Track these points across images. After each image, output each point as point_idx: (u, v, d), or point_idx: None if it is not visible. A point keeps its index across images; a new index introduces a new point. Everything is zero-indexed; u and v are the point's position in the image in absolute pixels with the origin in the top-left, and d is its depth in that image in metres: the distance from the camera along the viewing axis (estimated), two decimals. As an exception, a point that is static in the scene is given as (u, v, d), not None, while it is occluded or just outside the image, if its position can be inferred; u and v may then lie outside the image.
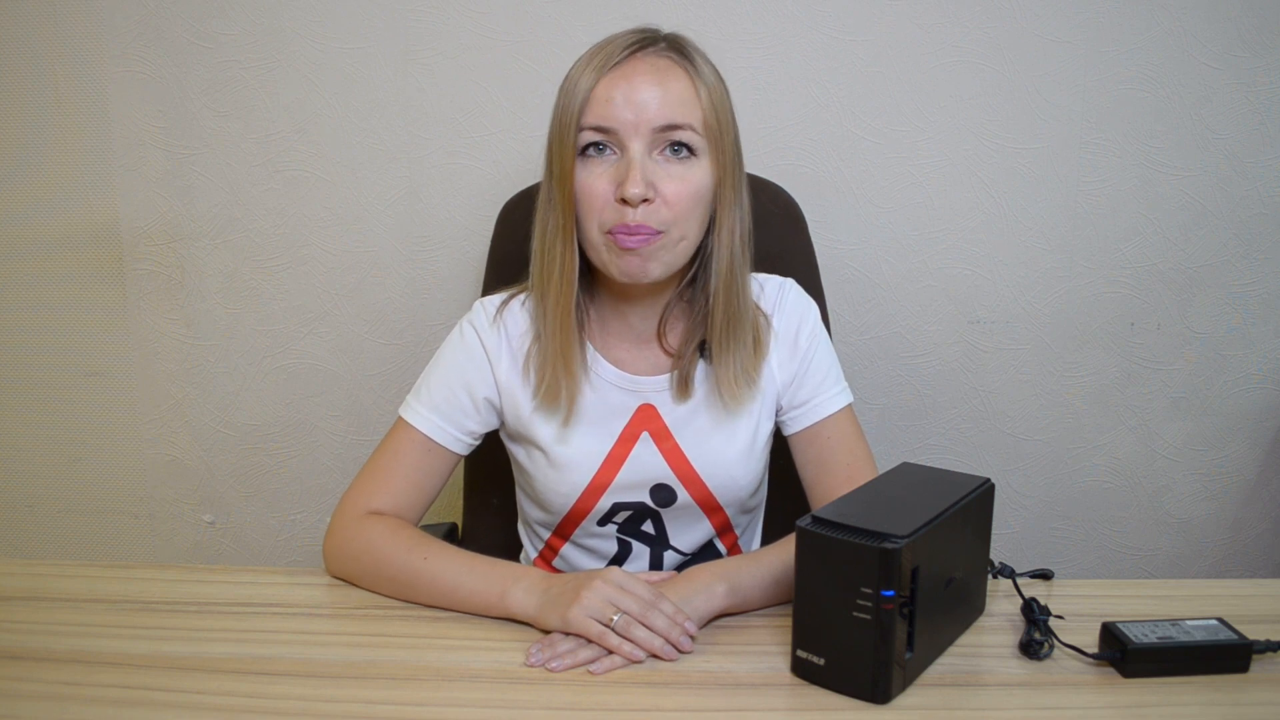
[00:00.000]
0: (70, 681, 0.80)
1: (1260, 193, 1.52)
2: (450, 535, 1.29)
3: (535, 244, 1.01)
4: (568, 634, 0.85)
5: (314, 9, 1.50)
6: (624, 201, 0.92)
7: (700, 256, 1.02)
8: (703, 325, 1.03)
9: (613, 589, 0.85)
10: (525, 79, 1.50)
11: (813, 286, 1.26)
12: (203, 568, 1.03)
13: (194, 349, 1.65)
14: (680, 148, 0.95)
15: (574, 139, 0.94)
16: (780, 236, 1.27)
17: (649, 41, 0.97)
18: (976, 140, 1.51)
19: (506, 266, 1.22)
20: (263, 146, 1.56)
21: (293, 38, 1.51)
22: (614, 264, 0.96)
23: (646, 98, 0.93)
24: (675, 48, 0.98)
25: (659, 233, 0.94)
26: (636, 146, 0.93)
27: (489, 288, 1.27)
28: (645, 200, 0.93)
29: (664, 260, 0.96)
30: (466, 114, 1.53)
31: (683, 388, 1.04)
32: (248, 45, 1.52)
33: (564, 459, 1.05)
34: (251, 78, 1.53)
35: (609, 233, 0.94)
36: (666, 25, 1.00)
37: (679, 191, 0.94)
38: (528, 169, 1.03)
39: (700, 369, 1.05)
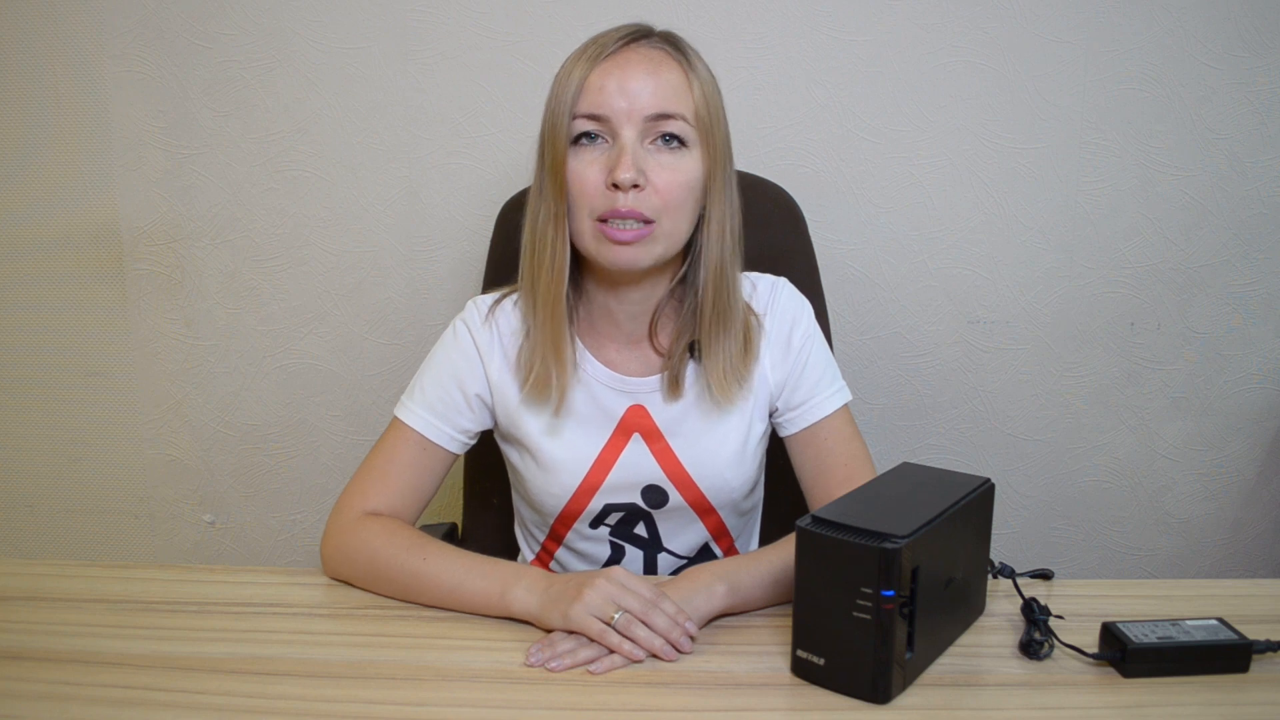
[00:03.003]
0: (70, 681, 0.80)
1: (1260, 193, 1.52)
2: (450, 535, 1.29)
3: (526, 236, 1.01)
4: (568, 633, 0.85)
5: (314, 9, 1.50)
6: (615, 187, 0.93)
7: (690, 253, 1.02)
8: (692, 323, 1.03)
9: (615, 587, 0.85)
10: (525, 79, 1.50)
11: (813, 286, 1.26)
12: (203, 568, 1.03)
13: (194, 349, 1.65)
14: (671, 138, 0.95)
15: (567, 127, 0.95)
16: (780, 236, 1.27)
17: (642, 34, 0.98)
18: (976, 140, 1.51)
19: (506, 266, 1.22)
20: (263, 146, 1.56)
21: (293, 38, 1.51)
22: (602, 252, 0.96)
23: (639, 87, 0.94)
24: (669, 41, 0.99)
25: (650, 223, 0.95)
26: (628, 134, 0.94)
27: (489, 288, 1.27)
28: (636, 186, 0.93)
29: (652, 252, 0.97)
30: (466, 114, 1.53)
31: (673, 387, 1.04)
32: (248, 45, 1.52)
33: (555, 460, 1.05)
34: (251, 78, 1.53)
35: (600, 220, 0.95)
36: (666, 25, 1.01)
37: (669, 181, 0.95)
38: (528, 169, 1.03)
39: (691, 370, 1.05)
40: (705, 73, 0.99)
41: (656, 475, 1.06)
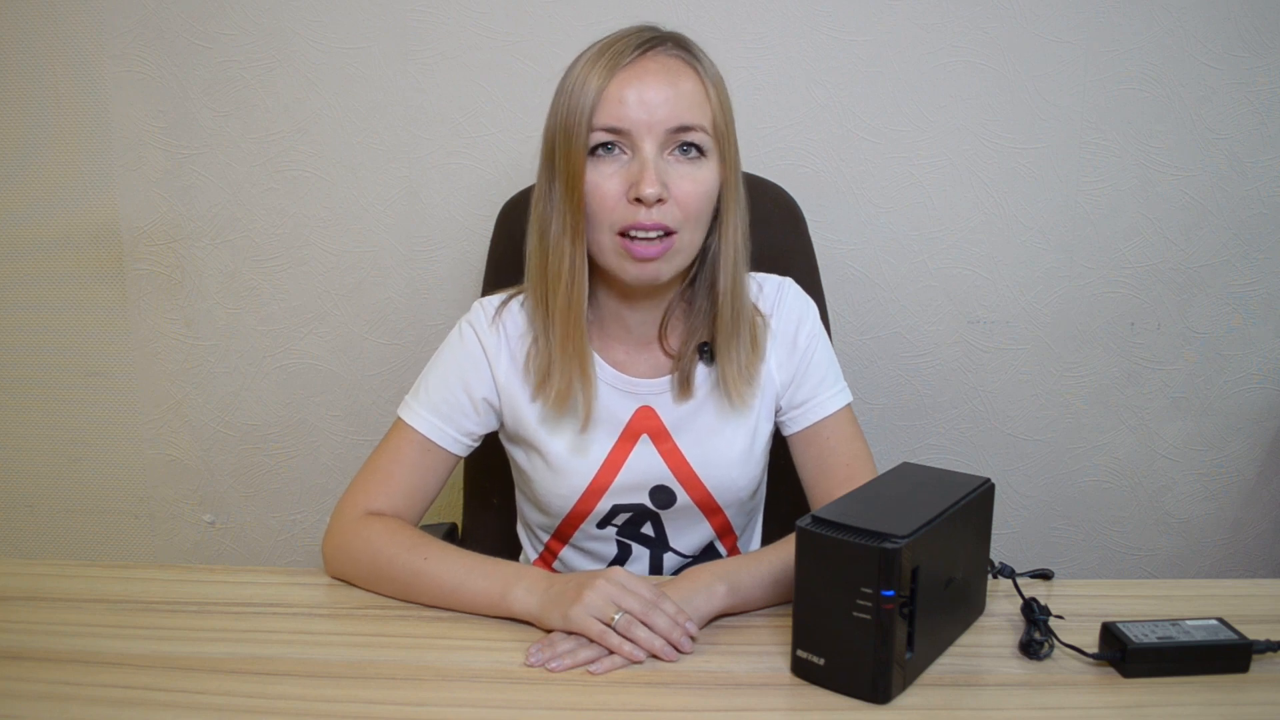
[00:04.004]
0: (70, 681, 0.80)
1: (1260, 193, 1.52)
2: (450, 535, 1.29)
3: (533, 246, 1.00)
4: (568, 633, 0.85)
5: (314, 9, 1.50)
6: (638, 201, 0.92)
7: (703, 257, 1.02)
8: (703, 326, 1.03)
9: (615, 588, 0.85)
10: (525, 79, 1.50)
11: (813, 286, 1.26)
12: (203, 568, 1.03)
13: (194, 349, 1.65)
14: (690, 148, 0.95)
15: (585, 139, 0.93)
16: (780, 236, 1.27)
17: (657, 41, 0.96)
18: (976, 140, 1.51)
19: (506, 266, 1.22)
20: (263, 146, 1.56)
21: (293, 38, 1.51)
22: (624, 267, 0.96)
23: (659, 98, 0.92)
24: (682, 46, 0.97)
25: (673, 233, 0.94)
26: (649, 146, 0.93)
27: (489, 288, 1.27)
28: (659, 200, 0.92)
29: (675, 263, 0.97)
30: (466, 114, 1.53)
31: (683, 389, 1.04)
32: (248, 45, 1.52)
33: (563, 462, 1.04)
34: (251, 78, 1.53)
35: (621, 234, 0.94)
36: (667, 25, 1.00)
37: (691, 192, 0.94)
38: (528, 169, 1.03)
39: (700, 371, 1.05)
40: (717, 76, 0.98)
41: (664, 476, 1.06)
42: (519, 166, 1.53)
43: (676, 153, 0.95)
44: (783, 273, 1.13)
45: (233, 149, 1.56)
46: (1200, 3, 1.45)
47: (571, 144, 0.94)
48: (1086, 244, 1.54)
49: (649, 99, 0.92)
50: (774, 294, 1.09)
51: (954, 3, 1.46)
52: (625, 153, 0.94)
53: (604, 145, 0.94)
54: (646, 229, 0.93)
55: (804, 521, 0.79)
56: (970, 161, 1.51)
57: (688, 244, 0.96)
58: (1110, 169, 1.51)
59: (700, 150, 0.95)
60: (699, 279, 1.03)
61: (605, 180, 0.94)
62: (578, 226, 0.95)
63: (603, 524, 1.08)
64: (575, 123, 0.93)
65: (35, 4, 1.52)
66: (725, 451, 1.06)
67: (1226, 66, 1.47)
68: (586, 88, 0.93)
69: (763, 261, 1.16)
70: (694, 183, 0.94)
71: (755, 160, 1.48)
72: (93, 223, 1.60)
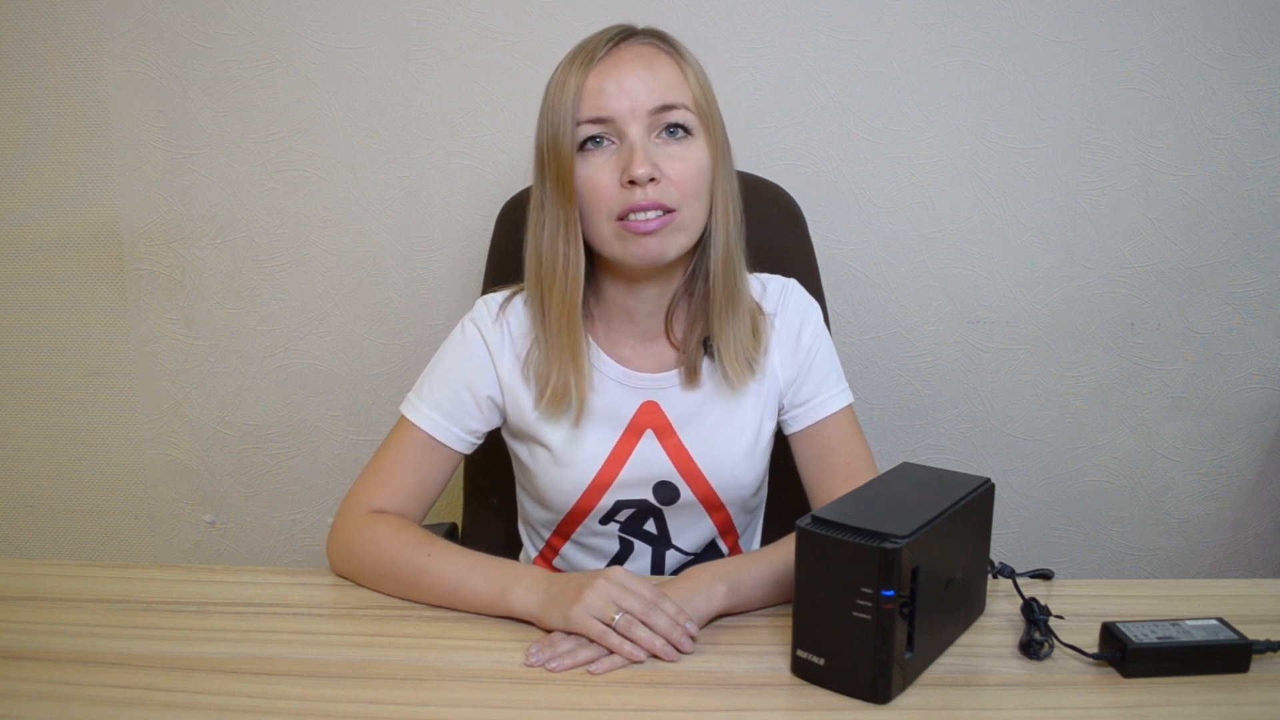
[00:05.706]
0: (70, 681, 0.80)
1: (1260, 193, 1.52)
2: (450, 535, 1.29)
3: (530, 249, 1.01)
4: (568, 633, 0.85)
5: (314, 9, 1.50)
6: (632, 183, 0.93)
7: (700, 242, 1.02)
8: (704, 312, 1.03)
9: (615, 588, 0.85)
10: (525, 79, 1.50)
11: (813, 286, 1.26)
12: (203, 568, 1.03)
13: (194, 349, 1.65)
14: (676, 128, 0.96)
15: (571, 135, 0.94)
16: (780, 236, 1.28)
17: (629, 33, 0.98)
18: (976, 140, 1.51)
19: (506, 266, 1.22)
20: (263, 146, 1.56)
21: (293, 38, 1.51)
22: (628, 250, 0.96)
23: (637, 84, 0.94)
24: (656, 36, 0.99)
25: (672, 211, 0.95)
26: (635, 131, 0.94)
27: (489, 287, 1.27)
28: (652, 180, 0.93)
29: (677, 241, 0.97)
30: (466, 114, 1.53)
31: (690, 378, 1.04)
32: (248, 45, 1.52)
33: (567, 457, 1.05)
34: (251, 78, 1.53)
35: (620, 219, 0.95)
36: (666, 26, 1.01)
37: (683, 170, 0.95)
38: (528, 169, 1.03)
39: (706, 365, 1.05)
40: (696, 62, 1.00)
41: (668, 472, 1.06)
42: (519, 166, 1.53)
43: (664, 135, 0.96)
44: (783, 273, 1.13)
45: (233, 149, 1.56)
46: (1200, 3, 1.45)
47: (560, 144, 0.95)
48: (1086, 244, 1.54)
49: (628, 85, 0.94)
50: (778, 294, 1.09)
51: (954, 3, 1.46)
52: (613, 142, 0.95)
53: (592, 139, 0.95)
54: (644, 209, 0.94)
55: (804, 521, 0.79)
56: (970, 161, 1.51)
57: (689, 221, 0.97)
58: (1110, 169, 1.51)
59: (686, 130, 0.96)
60: (698, 266, 1.03)
61: (597, 171, 0.95)
62: (571, 223, 0.97)
63: (605, 520, 1.08)
64: (560, 123, 0.95)
65: (35, 4, 1.52)
66: (730, 447, 1.06)
67: (1226, 66, 1.47)
68: (566, 87, 0.95)
69: (763, 261, 1.16)
70: (684, 162, 0.95)
71: (755, 160, 1.48)
72: (93, 223, 1.60)
